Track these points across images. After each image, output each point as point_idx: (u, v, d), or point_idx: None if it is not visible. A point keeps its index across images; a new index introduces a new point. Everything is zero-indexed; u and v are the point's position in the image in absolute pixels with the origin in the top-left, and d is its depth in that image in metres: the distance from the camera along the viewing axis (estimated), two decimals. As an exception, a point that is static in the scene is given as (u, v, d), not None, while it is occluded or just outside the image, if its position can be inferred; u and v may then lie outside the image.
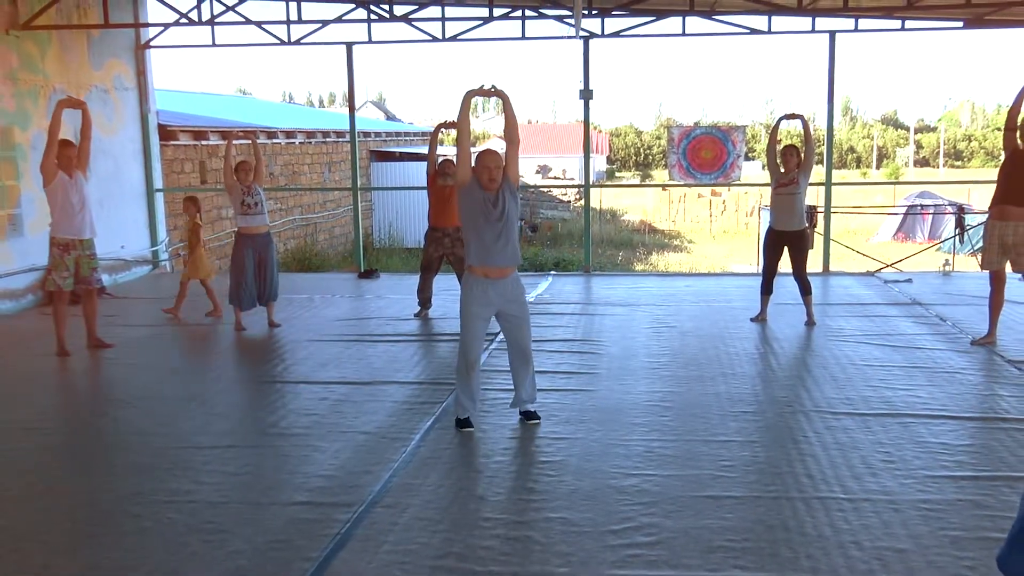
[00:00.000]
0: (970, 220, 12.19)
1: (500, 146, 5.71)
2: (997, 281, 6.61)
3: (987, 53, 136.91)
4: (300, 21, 10.44)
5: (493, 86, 4.86)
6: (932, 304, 8.32)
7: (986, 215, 6.85)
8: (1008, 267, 6.57)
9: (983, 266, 6.74)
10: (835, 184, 11.06)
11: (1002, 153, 6.66)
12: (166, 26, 10.74)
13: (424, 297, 8.16)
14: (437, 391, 5.71)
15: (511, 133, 4.88)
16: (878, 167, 63.46)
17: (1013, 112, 6.45)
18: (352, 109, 11.55)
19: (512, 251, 4.79)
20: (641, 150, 70.46)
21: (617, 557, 3.42)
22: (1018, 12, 9.46)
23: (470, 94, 4.84)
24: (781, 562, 3.36)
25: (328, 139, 20.66)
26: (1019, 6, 8.84)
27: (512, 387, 5.14)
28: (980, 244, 7.44)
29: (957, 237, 11.75)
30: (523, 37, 10.82)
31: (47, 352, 6.96)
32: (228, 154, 7.72)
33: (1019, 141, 6.40)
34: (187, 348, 7.19)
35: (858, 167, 65.52)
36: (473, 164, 4.78)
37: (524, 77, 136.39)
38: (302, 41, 10.68)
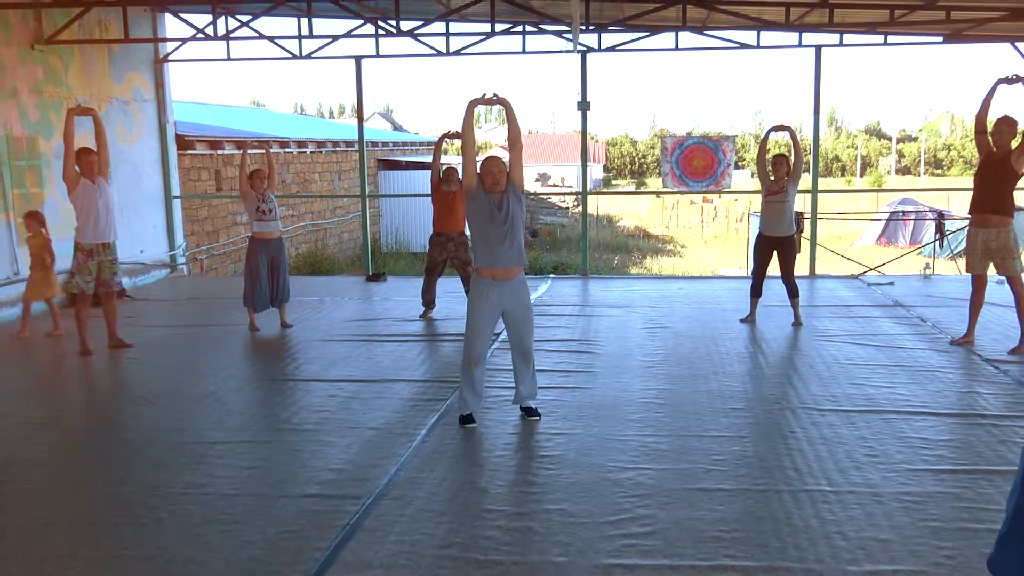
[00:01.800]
0: (950, 226, 12.36)
1: (503, 155, 5.87)
2: (978, 283, 6.75)
3: (965, 66, 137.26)
4: (311, 36, 10.59)
5: (495, 94, 4.95)
6: (913, 306, 8.45)
7: (966, 221, 7.00)
8: (992, 270, 6.70)
9: (968, 269, 6.87)
10: (821, 191, 11.21)
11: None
12: (183, 41, 10.90)
13: (428, 299, 8.29)
14: (441, 389, 5.82)
15: (514, 138, 4.97)
16: (862, 175, 63.56)
17: (981, 116, 6.56)
18: (361, 120, 11.70)
19: (517, 252, 4.88)
20: (636, 159, 70.55)
21: (613, 547, 3.51)
22: (994, 28, 9.60)
23: (473, 103, 4.94)
24: (770, 552, 3.44)
25: (338, 148, 20.84)
26: (995, 22, 9.03)
27: (513, 385, 5.24)
28: (960, 248, 7.60)
29: (937, 242, 11.91)
30: (523, 51, 10.98)
31: (70, 352, 7.09)
32: (243, 163, 7.87)
33: (992, 145, 6.52)
34: (203, 348, 7.26)
35: (843, 175, 65.74)
36: (478, 170, 4.90)
37: (524, 89, 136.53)
38: (313, 55, 10.80)
